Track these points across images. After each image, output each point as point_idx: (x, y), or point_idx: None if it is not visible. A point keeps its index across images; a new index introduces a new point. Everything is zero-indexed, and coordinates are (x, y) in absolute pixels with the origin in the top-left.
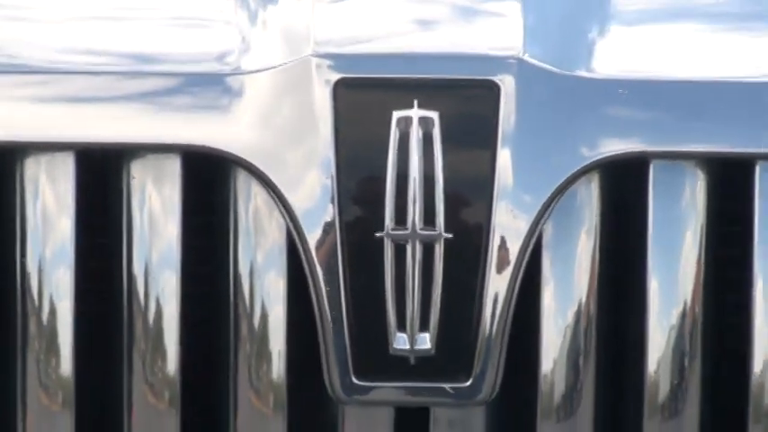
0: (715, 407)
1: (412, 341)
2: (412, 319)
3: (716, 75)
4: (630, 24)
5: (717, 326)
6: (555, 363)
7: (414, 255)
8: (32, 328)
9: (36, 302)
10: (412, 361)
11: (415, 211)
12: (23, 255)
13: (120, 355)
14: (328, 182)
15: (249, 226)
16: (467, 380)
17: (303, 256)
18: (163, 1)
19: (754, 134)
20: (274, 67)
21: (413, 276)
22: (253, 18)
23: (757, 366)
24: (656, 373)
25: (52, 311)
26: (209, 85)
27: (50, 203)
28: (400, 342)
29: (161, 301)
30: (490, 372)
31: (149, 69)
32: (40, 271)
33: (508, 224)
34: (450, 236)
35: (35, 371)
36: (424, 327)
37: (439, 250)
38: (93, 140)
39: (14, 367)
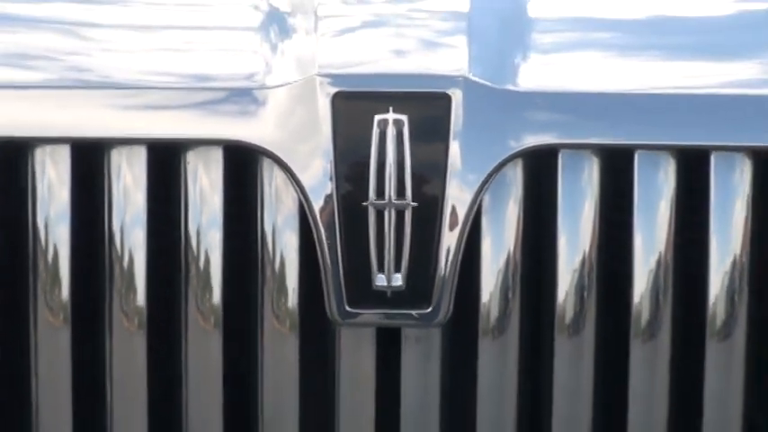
0: (607, 326)
1: (389, 279)
2: (388, 263)
3: (607, 88)
4: (546, 53)
5: (608, 269)
6: (491, 296)
7: (389, 218)
8: (116, 271)
9: (119, 253)
10: (388, 294)
11: (390, 187)
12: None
13: (179, 291)
14: (329, 166)
15: (272, 198)
16: (428, 308)
17: (310, 220)
18: (209, 36)
19: (634, 130)
20: (289, 84)
21: (389, 233)
22: (274, 48)
23: (636, 299)
24: (564, 302)
25: (130, 260)
26: (243, 97)
27: (129, 183)
28: (380, 280)
29: (209, 253)
30: (444, 302)
31: (200, 85)
32: (121, 231)
33: (457, 196)
34: (416, 204)
35: (118, 302)
36: (397, 269)
37: (408, 215)
38: (160, 136)
39: (103, 300)
